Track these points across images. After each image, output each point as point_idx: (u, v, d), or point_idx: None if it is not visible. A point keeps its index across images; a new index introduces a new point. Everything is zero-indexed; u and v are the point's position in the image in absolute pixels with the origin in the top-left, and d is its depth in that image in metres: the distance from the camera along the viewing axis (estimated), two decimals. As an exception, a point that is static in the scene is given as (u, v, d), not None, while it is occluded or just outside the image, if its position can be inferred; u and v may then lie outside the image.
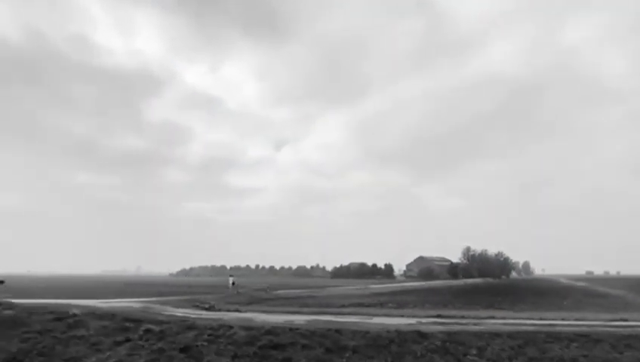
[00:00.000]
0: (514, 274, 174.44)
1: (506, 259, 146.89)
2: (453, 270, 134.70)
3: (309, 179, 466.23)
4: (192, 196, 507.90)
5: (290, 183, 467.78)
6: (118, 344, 11.83)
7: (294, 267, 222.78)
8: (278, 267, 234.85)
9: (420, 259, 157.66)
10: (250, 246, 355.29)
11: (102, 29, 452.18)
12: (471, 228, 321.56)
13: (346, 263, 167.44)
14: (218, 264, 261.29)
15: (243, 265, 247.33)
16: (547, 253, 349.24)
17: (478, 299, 36.95)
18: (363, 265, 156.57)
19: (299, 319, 16.75)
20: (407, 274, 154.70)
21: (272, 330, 13.06)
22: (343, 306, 25.12)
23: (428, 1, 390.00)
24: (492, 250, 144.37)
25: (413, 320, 17.12)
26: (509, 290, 53.24)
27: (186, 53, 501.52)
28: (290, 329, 13.31)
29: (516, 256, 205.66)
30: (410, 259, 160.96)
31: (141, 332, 12.74)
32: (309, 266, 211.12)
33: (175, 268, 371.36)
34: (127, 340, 12.10)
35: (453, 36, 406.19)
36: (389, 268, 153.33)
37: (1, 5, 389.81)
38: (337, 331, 13.10)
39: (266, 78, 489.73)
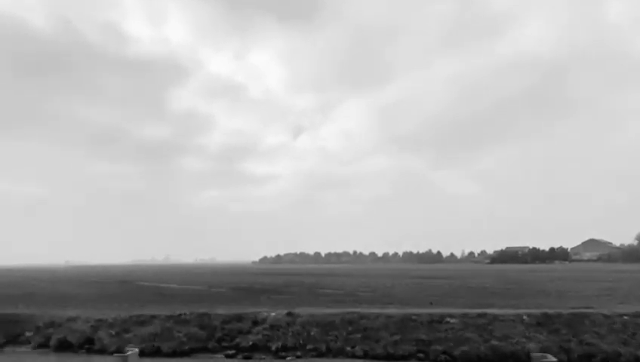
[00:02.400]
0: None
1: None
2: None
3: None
4: (211, 184, 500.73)
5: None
6: None
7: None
8: (380, 254, 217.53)
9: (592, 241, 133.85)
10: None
11: (131, 17, 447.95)
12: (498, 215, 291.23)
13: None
14: (310, 251, 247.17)
15: (340, 251, 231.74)
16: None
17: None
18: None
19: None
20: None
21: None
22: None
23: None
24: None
25: None
26: None
27: (213, 40, 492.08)
28: None
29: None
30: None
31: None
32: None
33: (203, 257, 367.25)
34: None
35: (483, 17, 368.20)
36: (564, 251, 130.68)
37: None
38: None
39: (291, 64, 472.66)
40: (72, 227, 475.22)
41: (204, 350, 17.39)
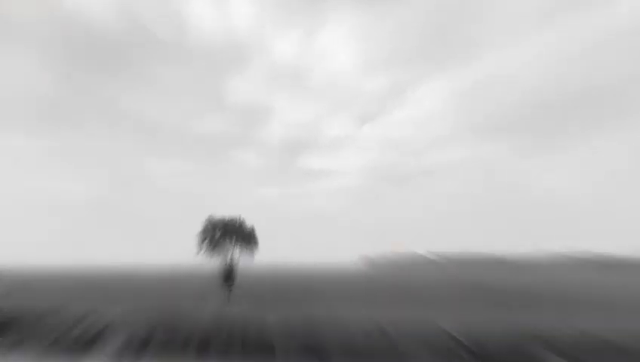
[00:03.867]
0: None
1: None
2: None
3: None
4: (268, 181, 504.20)
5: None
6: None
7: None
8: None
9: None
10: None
11: (197, 5, 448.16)
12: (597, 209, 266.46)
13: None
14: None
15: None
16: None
17: None
18: None
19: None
20: None
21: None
22: None
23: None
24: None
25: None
26: None
27: (280, 21, 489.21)
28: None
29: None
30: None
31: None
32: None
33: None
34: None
35: None
36: None
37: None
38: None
39: (364, 43, 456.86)
40: (123, 225, 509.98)
41: None
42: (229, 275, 36.95)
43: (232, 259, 36.77)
